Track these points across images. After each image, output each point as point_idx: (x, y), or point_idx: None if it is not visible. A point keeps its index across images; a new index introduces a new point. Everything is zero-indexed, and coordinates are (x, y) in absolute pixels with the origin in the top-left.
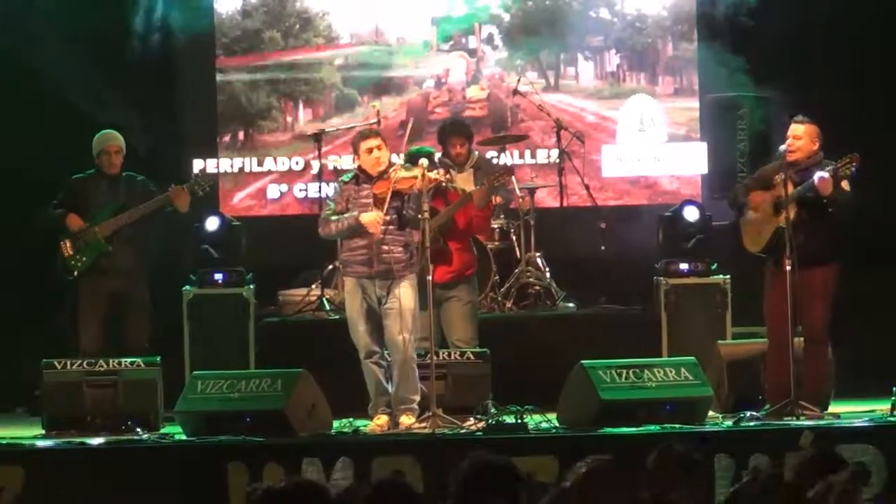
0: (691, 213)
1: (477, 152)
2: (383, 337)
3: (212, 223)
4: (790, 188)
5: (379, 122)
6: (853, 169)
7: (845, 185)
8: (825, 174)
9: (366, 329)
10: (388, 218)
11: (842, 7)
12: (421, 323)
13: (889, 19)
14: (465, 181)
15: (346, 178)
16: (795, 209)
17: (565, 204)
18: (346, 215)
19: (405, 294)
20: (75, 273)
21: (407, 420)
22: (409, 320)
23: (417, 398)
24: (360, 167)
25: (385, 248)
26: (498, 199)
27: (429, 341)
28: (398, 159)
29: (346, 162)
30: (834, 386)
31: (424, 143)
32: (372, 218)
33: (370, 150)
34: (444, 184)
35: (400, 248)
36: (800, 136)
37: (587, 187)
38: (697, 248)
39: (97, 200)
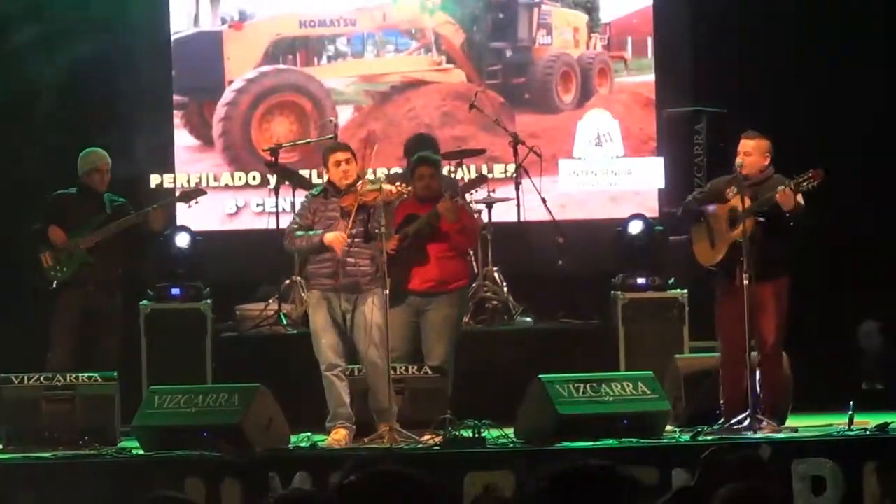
0: (636, 228)
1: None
2: (346, 350)
3: (181, 239)
4: (747, 202)
5: (336, 137)
6: (815, 185)
7: (799, 198)
8: (787, 188)
9: (328, 342)
10: (353, 231)
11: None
12: (392, 335)
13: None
14: None
15: (315, 191)
16: (751, 223)
17: (522, 218)
18: (311, 233)
19: (372, 308)
20: (54, 283)
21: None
22: (376, 334)
23: (394, 407)
24: (328, 180)
25: (351, 260)
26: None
27: (397, 353)
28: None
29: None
30: (792, 400)
31: None
32: (335, 237)
33: (338, 163)
34: (405, 196)
35: (366, 262)
36: (749, 152)
37: (544, 201)
38: (653, 263)
39: (81, 217)
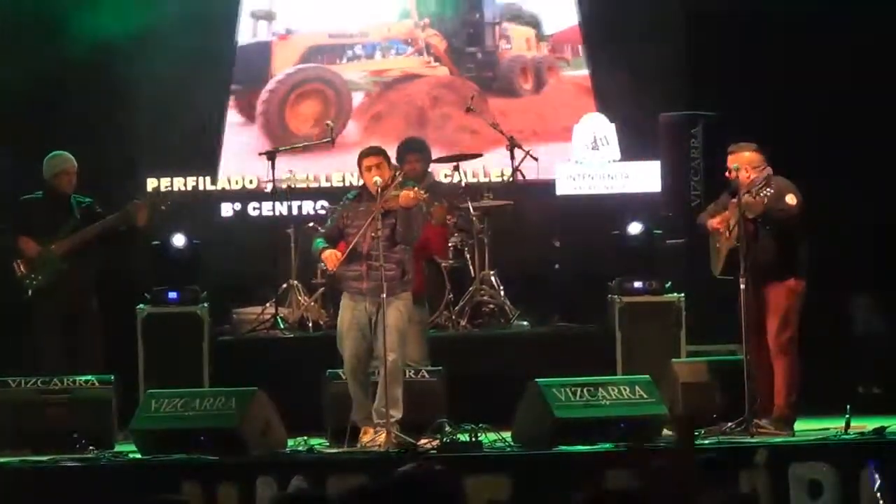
0: (633, 231)
1: (432, 173)
2: (370, 353)
3: (178, 242)
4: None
5: (332, 141)
6: (769, 191)
7: (790, 199)
8: (746, 196)
9: (352, 344)
10: (380, 235)
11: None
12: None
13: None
14: None
15: (351, 195)
16: (738, 229)
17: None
18: (322, 245)
19: (394, 312)
20: (30, 292)
21: (379, 438)
22: (395, 339)
23: (398, 415)
24: (363, 184)
25: (377, 264)
26: (451, 218)
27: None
28: None
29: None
30: (797, 408)
31: None
32: (328, 254)
33: (369, 169)
34: (422, 202)
35: (392, 265)
36: (728, 167)
37: (540, 204)
38: (650, 267)
39: (49, 222)
